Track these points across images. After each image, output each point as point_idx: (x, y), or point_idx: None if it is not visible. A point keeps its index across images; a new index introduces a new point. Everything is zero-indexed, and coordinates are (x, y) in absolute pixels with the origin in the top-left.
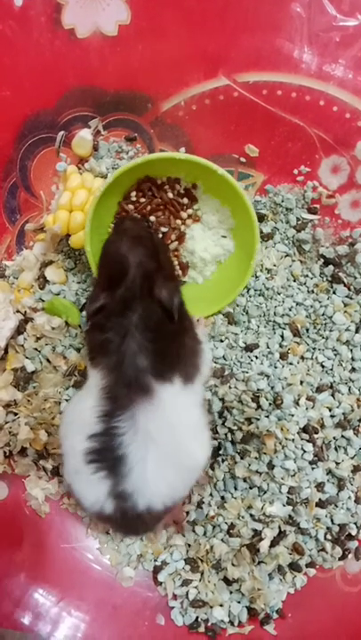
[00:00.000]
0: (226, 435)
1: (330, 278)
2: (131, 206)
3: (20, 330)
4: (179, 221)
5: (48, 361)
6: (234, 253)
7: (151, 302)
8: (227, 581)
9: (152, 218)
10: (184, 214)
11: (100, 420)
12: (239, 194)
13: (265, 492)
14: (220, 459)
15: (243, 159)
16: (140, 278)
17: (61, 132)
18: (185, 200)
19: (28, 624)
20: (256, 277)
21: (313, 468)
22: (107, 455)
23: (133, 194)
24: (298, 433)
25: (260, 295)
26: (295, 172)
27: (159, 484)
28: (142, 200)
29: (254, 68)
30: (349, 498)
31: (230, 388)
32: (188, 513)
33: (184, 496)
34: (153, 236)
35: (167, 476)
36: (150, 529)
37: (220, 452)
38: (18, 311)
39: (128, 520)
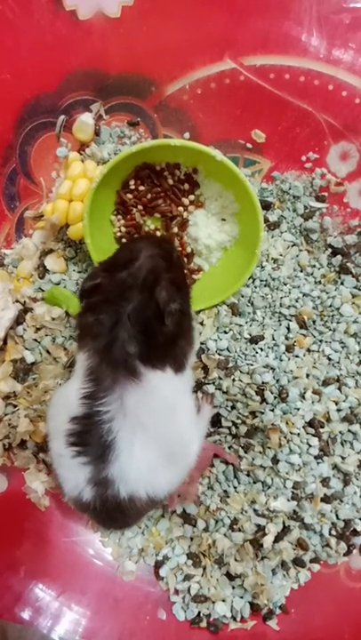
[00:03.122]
0: (230, 428)
1: (338, 269)
2: (130, 195)
3: (19, 320)
4: (181, 208)
5: (48, 352)
6: (239, 239)
7: (149, 298)
8: (229, 576)
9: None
10: (186, 200)
11: (83, 403)
12: (240, 179)
13: (269, 487)
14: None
15: (249, 145)
16: (146, 270)
17: (62, 117)
18: (186, 186)
19: (29, 618)
20: (262, 267)
21: (318, 463)
22: (89, 440)
23: (132, 182)
24: (303, 427)
25: (265, 286)
26: (303, 158)
27: (144, 470)
28: (141, 188)
29: (262, 51)
30: (355, 493)
31: (234, 380)
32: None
33: (169, 490)
34: (175, 249)
35: (153, 462)
36: (129, 523)
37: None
38: (17, 301)
39: (107, 509)
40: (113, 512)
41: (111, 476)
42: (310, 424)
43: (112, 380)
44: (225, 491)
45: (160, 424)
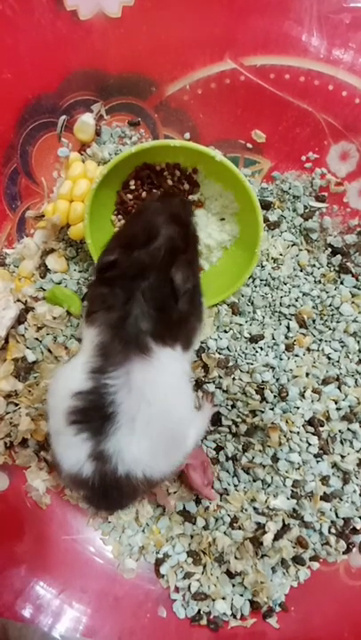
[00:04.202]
0: (230, 427)
1: (337, 268)
2: (130, 195)
3: (20, 319)
4: None
5: (49, 351)
6: (239, 238)
7: (165, 278)
8: (229, 574)
9: None
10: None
11: (90, 377)
12: (240, 179)
13: (269, 485)
14: (222, 452)
15: (249, 145)
16: (164, 250)
17: (63, 117)
18: (186, 186)
19: (30, 616)
20: (262, 267)
21: (318, 462)
22: (92, 415)
23: (132, 182)
24: (303, 426)
25: (265, 285)
26: (303, 158)
27: (143, 447)
28: (141, 189)
29: (262, 52)
30: (354, 491)
31: (234, 379)
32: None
33: (165, 472)
34: (192, 223)
35: (152, 441)
36: (122, 503)
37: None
38: (18, 300)
39: (105, 485)
40: (110, 489)
41: (108, 450)
42: (310, 423)
43: (122, 356)
44: (225, 489)
45: (164, 402)
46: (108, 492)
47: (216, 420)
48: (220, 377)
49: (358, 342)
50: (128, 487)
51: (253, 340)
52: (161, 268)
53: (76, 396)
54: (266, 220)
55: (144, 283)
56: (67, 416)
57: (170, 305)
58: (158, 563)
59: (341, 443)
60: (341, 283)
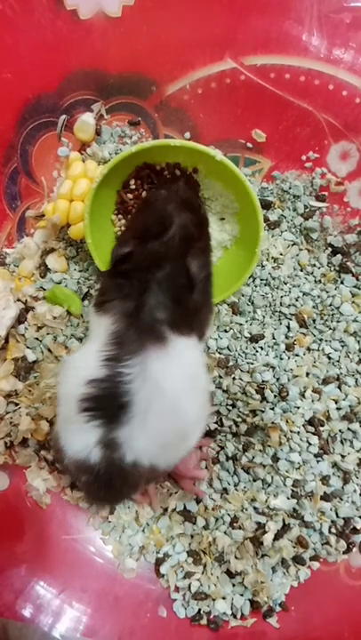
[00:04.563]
0: (230, 427)
1: (338, 268)
2: (130, 195)
3: (20, 319)
4: None
5: (49, 351)
6: (239, 238)
7: (180, 267)
8: (229, 574)
9: None
10: None
11: (105, 365)
12: (240, 178)
13: (269, 485)
14: (223, 451)
15: (249, 144)
16: (178, 240)
17: (63, 116)
18: None
19: (30, 616)
20: (262, 266)
21: (318, 461)
22: (105, 402)
23: (132, 182)
24: (303, 425)
25: (265, 285)
26: (303, 158)
27: (153, 437)
28: (142, 188)
29: (262, 51)
30: (355, 491)
31: (235, 379)
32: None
33: (169, 463)
34: (202, 207)
35: (163, 432)
36: (124, 493)
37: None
38: (18, 300)
39: (111, 473)
40: (115, 477)
41: (119, 439)
42: (310, 422)
43: (137, 345)
44: (225, 488)
45: (179, 392)
46: (113, 480)
47: (216, 420)
48: (220, 377)
49: (359, 342)
50: (133, 476)
51: (254, 339)
52: (176, 258)
53: (89, 383)
54: (266, 219)
55: (160, 273)
56: (79, 403)
57: (185, 294)
58: (158, 562)
59: (342, 442)
60: (342, 282)
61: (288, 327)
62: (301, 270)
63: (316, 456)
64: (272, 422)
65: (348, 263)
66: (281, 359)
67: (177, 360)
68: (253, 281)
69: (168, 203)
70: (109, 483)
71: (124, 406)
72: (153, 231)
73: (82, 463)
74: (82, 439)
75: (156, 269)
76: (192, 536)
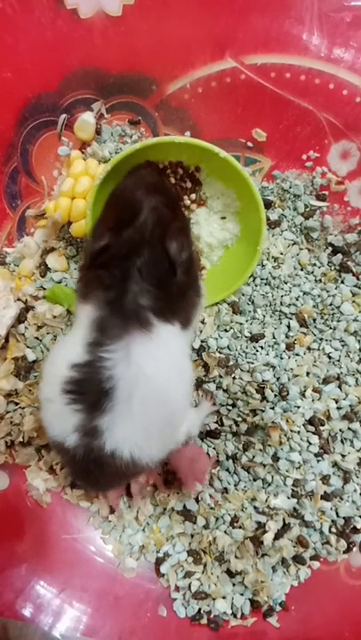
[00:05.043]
0: (230, 426)
1: (338, 267)
2: None
3: (20, 318)
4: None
5: (49, 350)
6: (241, 237)
7: (160, 251)
8: (230, 573)
9: None
10: (188, 200)
11: (87, 351)
12: (243, 176)
13: (269, 485)
14: (223, 451)
15: (250, 144)
16: (151, 223)
17: (63, 116)
18: (188, 184)
19: (30, 616)
20: (262, 266)
21: (318, 461)
22: (87, 387)
23: None
24: (303, 425)
25: (266, 284)
26: (304, 157)
27: (136, 426)
28: None
29: (262, 50)
30: (355, 491)
31: (235, 378)
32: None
33: (152, 457)
34: (170, 187)
35: (147, 419)
36: (100, 482)
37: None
38: (19, 299)
39: (88, 460)
40: (92, 464)
41: (101, 426)
42: (310, 422)
43: (121, 329)
44: (225, 488)
45: (164, 378)
46: (90, 467)
47: (217, 419)
48: (220, 376)
49: (359, 341)
50: (111, 466)
51: (254, 339)
52: (153, 242)
53: (73, 367)
54: (266, 218)
55: (139, 260)
56: (61, 385)
57: (168, 279)
58: (159, 562)
59: (342, 442)
60: (342, 282)
61: (288, 326)
62: (302, 270)
63: (316, 455)
64: (272, 422)
65: (349, 262)
66: (281, 358)
67: (163, 347)
68: (254, 280)
69: (135, 189)
70: (87, 469)
71: (107, 393)
72: (125, 219)
73: (60, 446)
74: (60, 423)
75: (136, 256)
76: (192, 535)
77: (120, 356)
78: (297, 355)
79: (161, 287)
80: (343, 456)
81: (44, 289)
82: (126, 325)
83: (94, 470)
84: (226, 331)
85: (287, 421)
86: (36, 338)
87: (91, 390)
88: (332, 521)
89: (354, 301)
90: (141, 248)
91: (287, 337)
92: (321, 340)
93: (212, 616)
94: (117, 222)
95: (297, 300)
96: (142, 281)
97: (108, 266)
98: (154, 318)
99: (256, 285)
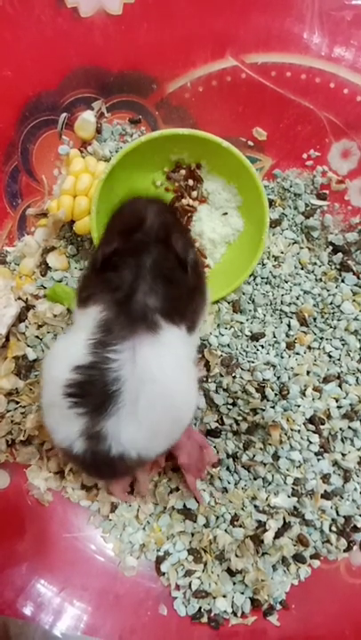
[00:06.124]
0: (231, 425)
1: (339, 266)
2: None
3: (21, 317)
4: (185, 202)
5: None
6: (244, 231)
7: (167, 250)
8: (230, 572)
9: None
10: (189, 198)
11: (91, 352)
12: (246, 166)
13: (270, 483)
14: (223, 450)
15: (250, 143)
16: (157, 226)
17: (63, 115)
18: (190, 182)
19: (31, 614)
20: (263, 265)
21: (319, 460)
22: (90, 390)
23: None
24: (304, 424)
25: (266, 283)
26: (304, 156)
27: (142, 429)
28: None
29: (263, 49)
30: (355, 489)
31: (235, 377)
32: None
33: (160, 452)
34: (170, 205)
35: (153, 423)
36: (117, 476)
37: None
38: (19, 298)
39: (97, 462)
40: (102, 466)
41: (105, 431)
42: (311, 421)
43: (127, 330)
44: (225, 487)
45: (171, 379)
46: (101, 468)
47: (218, 420)
48: (220, 375)
49: (359, 340)
50: (121, 466)
51: (254, 338)
52: (160, 241)
53: (75, 369)
54: None
55: (148, 259)
56: (63, 389)
57: (177, 278)
58: (159, 560)
59: (342, 441)
60: (342, 281)
61: (289, 325)
62: (302, 269)
63: (316, 454)
64: (273, 421)
65: (349, 261)
66: (282, 357)
67: (168, 349)
68: (254, 279)
69: (137, 202)
70: (98, 469)
71: (112, 396)
72: (132, 225)
73: (67, 451)
74: (65, 428)
75: (146, 256)
76: (193, 534)
77: (126, 356)
78: (297, 354)
79: (170, 287)
80: (343, 455)
81: (45, 288)
82: (133, 326)
83: (105, 470)
84: (226, 329)
85: (288, 420)
86: (37, 337)
87: (95, 392)
88: (333, 520)
89: (354, 300)
90: (151, 247)
91: (288, 336)
92: (321, 339)
93: (212, 615)
94: (125, 227)
95: (297, 298)
96: (151, 281)
97: (118, 268)
98: (161, 320)
99: (257, 284)
